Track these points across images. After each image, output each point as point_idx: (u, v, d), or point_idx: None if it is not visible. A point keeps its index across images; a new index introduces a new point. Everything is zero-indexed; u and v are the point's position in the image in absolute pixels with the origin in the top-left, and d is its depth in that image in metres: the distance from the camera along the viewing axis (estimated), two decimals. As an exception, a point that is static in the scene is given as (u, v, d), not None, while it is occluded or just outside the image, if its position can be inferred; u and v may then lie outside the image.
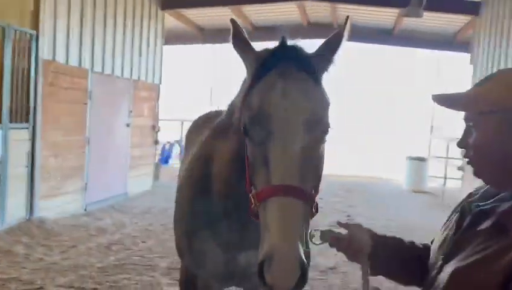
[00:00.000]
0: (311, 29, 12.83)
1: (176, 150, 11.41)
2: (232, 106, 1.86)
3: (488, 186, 1.25)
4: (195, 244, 2.02)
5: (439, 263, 1.23)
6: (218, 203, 1.89)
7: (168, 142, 10.88)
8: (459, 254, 1.15)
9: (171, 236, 6.27)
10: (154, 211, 7.96)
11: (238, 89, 1.76)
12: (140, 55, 9.22)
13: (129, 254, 5.41)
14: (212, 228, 1.95)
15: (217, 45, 15.77)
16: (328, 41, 1.49)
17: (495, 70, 7.38)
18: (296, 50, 1.43)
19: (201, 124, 3.00)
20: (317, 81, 1.39)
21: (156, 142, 10.29)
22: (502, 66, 7.80)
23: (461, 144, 1.23)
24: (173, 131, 13.06)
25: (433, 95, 1.30)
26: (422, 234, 6.65)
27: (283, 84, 1.33)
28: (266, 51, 1.50)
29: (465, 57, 10.25)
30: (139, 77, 9.25)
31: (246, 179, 1.42)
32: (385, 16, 10.49)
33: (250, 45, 1.53)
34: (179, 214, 2.17)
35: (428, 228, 6.63)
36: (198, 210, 1.99)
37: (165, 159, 10.71)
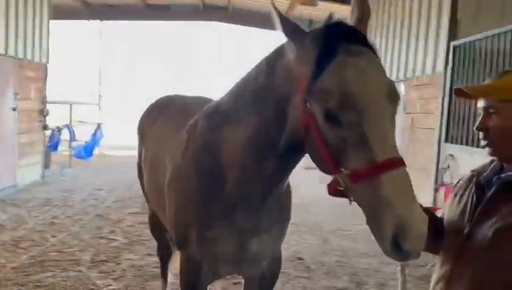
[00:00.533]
0: (207, 11, 12.80)
1: (69, 135, 10.54)
2: (240, 91, 1.87)
3: (494, 164, 1.52)
4: (208, 233, 2.00)
5: (466, 230, 1.46)
6: (234, 190, 1.91)
7: (57, 127, 9.97)
8: (489, 220, 1.40)
9: (83, 228, 6.04)
10: (54, 202, 7.33)
11: (253, 72, 1.80)
12: (25, 30, 8.25)
13: (43, 250, 4.96)
14: (227, 215, 1.96)
15: (104, 22, 14.80)
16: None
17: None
18: (349, 27, 1.45)
19: (166, 111, 2.93)
20: (376, 54, 1.44)
21: (45, 127, 9.38)
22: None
23: (480, 127, 1.48)
24: (62, 115, 12.00)
25: (455, 88, 1.53)
26: (317, 210, 7.35)
27: (363, 63, 1.34)
28: (323, 32, 1.45)
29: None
30: (24, 55, 8.29)
31: (324, 161, 1.40)
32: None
33: (300, 28, 1.50)
34: (182, 206, 2.09)
35: (323, 202, 7.31)
36: (210, 200, 1.97)
37: (54, 145, 9.81)
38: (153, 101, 3.39)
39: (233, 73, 17.03)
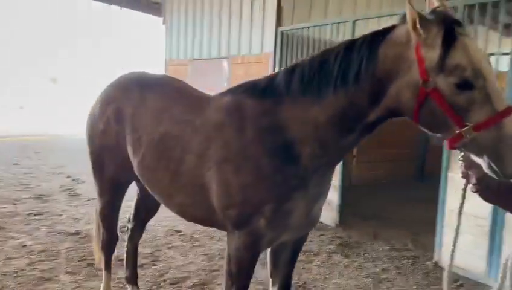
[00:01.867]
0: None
1: None
2: (315, 76, 2.07)
3: None
4: (286, 205, 2.17)
5: None
6: (309, 163, 2.13)
7: None
8: None
9: None
10: None
11: (333, 58, 2.02)
12: None
13: None
14: (302, 186, 2.17)
15: None
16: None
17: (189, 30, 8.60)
18: (452, 15, 1.84)
19: (155, 90, 2.80)
20: None
21: None
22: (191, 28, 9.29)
23: None
24: None
25: None
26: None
27: (473, 42, 1.77)
28: (443, 20, 1.76)
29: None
30: None
31: (449, 121, 1.74)
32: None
33: (428, 18, 1.78)
34: (255, 183, 2.18)
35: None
36: (286, 174, 2.14)
37: None
38: (111, 83, 3.11)
39: None
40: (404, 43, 1.84)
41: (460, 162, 1.88)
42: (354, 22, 5.94)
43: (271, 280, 2.70)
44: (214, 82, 8.64)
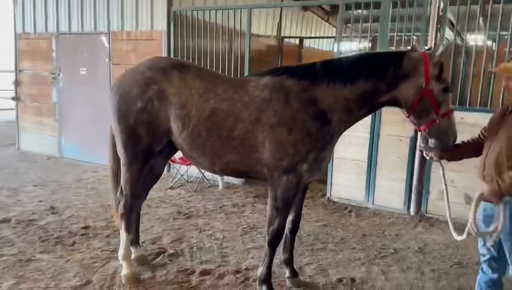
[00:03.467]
0: None
1: None
2: (354, 69, 3.18)
3: None
4: (322, 153, 3.26)
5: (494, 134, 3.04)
6: (336, 125, 3.24)
7: None
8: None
9: None
10: None
11: (369, 60, 3.21)
12: None
13: None
14: (332, 140, 3.28)
15: None
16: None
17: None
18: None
19: (193, 72, 3.53)
20: None
21: None
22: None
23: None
24: None
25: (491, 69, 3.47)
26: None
27: None
28: (439, 56, 2.95)
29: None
30: None
31: (433, 111, 2.97)
32: None
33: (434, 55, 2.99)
34: (304, 139, 3.15)
35: None
36: (324, 133, 3.20)
37: None
38: (144, 67, 3.58)
39: None
40: (419, 60, 3.04)
41: (422, 145, 3.18)
42: (251, 9, 6.98)
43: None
44: (91, 58, 8.51)
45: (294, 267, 3.94)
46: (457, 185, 5.71)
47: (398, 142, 6.03)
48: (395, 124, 5.95)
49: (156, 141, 3.57)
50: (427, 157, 3.18)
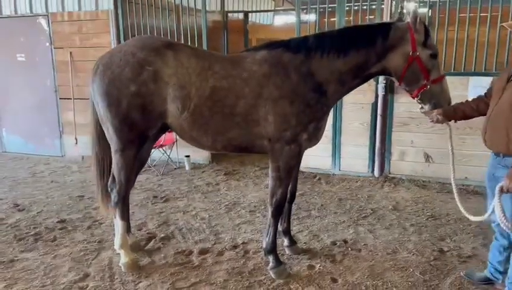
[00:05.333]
0: None
1: None
2: (344, 42, 3.26)
3: None
4: (320, 123, 3.37)
5: (498, 97, 2.94)
6: (331, 96, 3.35)
7: None
8: None
9: None
10: None
11: (356, 33, 3.28)
12: None
13: None
14: (327, 111, 3.40)
15: None
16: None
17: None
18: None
19: (188, 52, 3.42)
20: None
21: None
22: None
23: None
24: None
25: (502, 24, 3.53)
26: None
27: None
28: (423, 21, 3.13)
29: None
30: None
31: (422, 77, 3.15)
32: None
33: (418, 21, 3.12)
34: (304, 110, 3.23)
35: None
36: (321, 104, 3.30)
37: None
38: (135, 47, 3.38)
39: None
40: (404, 29, 3.20)
41: (422, 111, 3.35)
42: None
43: None
44: (29, 43, 7.87)
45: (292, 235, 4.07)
46: (416, 146, 6.15)
47: (360, 109, 6.31)
48: (357, 92, 5.98)
49: (152, 125, 3.45)
50: (432, 122, 3.33)
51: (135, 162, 3.61)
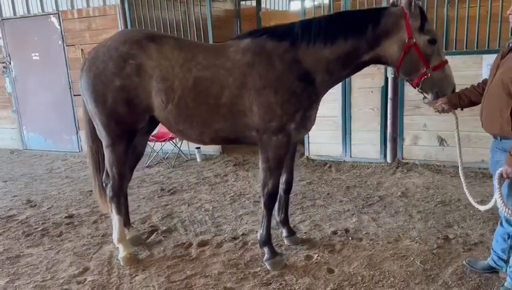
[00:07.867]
0: None
1: None
2: (332, 29, 3.11)
3: None
4: (308, 112, 3.25)
5: (493, 75, 2.73)
6: (320, 85, 3.22)
7: None
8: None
9: None
10: None
11: (348, 18, 3.16)
12: None
13: None
14: (317, 100, 3.28)
15: None
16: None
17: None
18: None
19: (171, 42, 3.36)
20: None
21: None
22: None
23: None
24: None
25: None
26: None
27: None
28: (418, 5, 2.94)
29: None
30: None
31: (421, 64, 2.97)
32: None
33: (414, 4, 2.93)
34: (290, 99, 3.12)
35: None
36: (308, 92, 3.18)
37: None
38: (118, 42, 3.35)
39: None
40: (399, 15, 3.02)
41: (426, 101, 3.16)
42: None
43: None
44: (42, 42, 8.03)
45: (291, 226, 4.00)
46: (429, 129, 5.92)
47: (369, 93, 6.12)
48: (365, 76, 5.99)
49: (139, 119, 3.44)
50: (438, 112, 3.13)
51: (127, 157, 3.61)
